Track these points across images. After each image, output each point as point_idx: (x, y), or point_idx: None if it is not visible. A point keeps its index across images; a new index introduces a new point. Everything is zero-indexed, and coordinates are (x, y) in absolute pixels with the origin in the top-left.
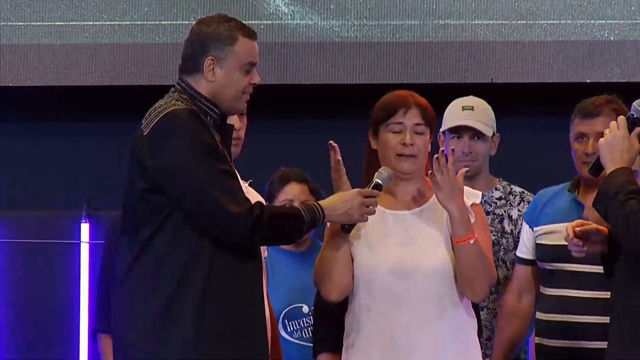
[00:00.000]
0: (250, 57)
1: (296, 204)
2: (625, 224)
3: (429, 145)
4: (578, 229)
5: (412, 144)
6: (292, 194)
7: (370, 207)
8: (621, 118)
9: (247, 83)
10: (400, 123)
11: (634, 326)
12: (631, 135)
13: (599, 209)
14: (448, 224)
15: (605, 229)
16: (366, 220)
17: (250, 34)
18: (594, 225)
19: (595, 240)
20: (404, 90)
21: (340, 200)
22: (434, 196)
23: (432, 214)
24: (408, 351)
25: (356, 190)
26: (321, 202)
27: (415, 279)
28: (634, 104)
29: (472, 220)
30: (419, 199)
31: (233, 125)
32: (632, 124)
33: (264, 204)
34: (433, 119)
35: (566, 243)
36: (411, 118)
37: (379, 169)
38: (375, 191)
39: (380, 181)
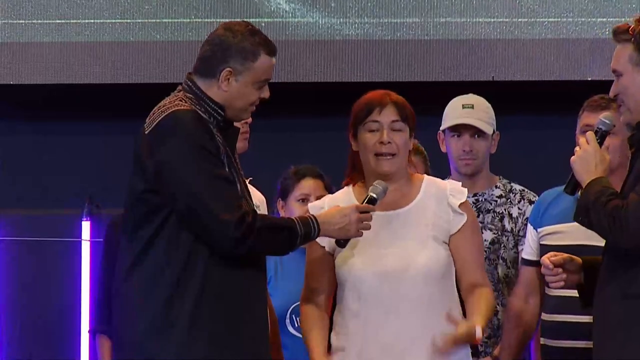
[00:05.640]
0: (267, 75)
1: (312, 199)
2: (612, 221)
3: (410, 143)
4: (553, 259)
5: (389, 142)
6: (309, 188)
7: (366, 222)
8: (589, 133)
9: (257, 97)
10: (377, 121)
11: (619, 323)
12: (601, 148)
13: (581, 221)
14: (435, 222)
15: (579, 258)
16: (361, 235)
17: (272, 51)
18: (567, 255)
19: (569, 269)
20: (381, 89)
21: (338, 215)
22: (419, 196)
23: (418, 214)
24: (399, 356)
25: (353, 205)
26: (318, 215)
27: (404, 282)
28: (600, 117)
29: (464, 221)
30: (403, 199)
31: (239, 129)
32: (600, 137)
33: (258, 213)
34: (412, 116)
35: (570, 243)
36: (387, 115)
37: (374, 183)
38: (371, 206)
39: (375, 195)
